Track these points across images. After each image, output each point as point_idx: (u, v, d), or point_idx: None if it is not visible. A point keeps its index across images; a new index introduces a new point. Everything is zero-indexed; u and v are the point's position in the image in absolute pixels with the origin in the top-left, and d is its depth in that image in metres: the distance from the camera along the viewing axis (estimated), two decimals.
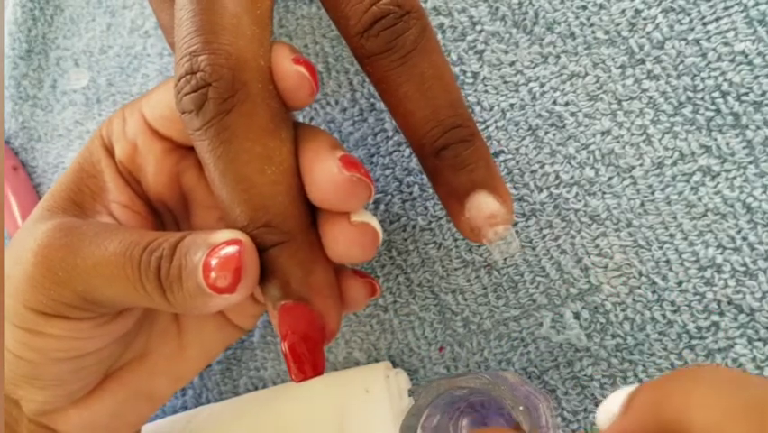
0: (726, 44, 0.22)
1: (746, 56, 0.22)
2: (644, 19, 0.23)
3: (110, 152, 0.23)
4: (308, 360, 0.20)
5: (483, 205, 0.20)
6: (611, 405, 0.16)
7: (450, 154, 0.20)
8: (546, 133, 0.24)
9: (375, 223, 0.21)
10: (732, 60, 0.22)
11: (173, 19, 0.21)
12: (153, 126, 0.23)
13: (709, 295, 0.22)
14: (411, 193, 0.26)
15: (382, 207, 0.27)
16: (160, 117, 0.22)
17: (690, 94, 0.22)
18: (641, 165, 0.23)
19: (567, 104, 0.24)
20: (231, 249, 0.19)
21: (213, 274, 0.19)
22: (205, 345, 0.26)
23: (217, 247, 0.19)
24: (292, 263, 0.20)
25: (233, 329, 0.26)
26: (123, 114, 0.23)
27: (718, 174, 0.22)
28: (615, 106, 0.23)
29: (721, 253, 0.22)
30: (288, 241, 0.20)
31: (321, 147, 0.20)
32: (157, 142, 0.23)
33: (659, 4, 0.23)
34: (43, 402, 0.22)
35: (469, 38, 0.26)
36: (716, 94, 0.22)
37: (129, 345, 0.25)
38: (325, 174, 0.20)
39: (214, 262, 0.19)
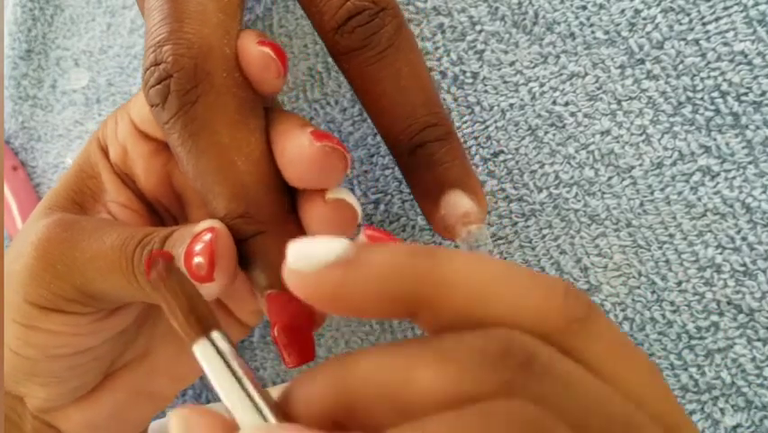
0: (725, 44, 0.22)
1: (746, 56, 0.22)
2: (644, 19, 0.23)
3: (106, 153, 0.23)
4: (296, 347, 0.20)
5: (458, 203, 0.20)
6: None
7: (425, 152, 0.20)
8: (546, 133, 0.24)
9: (351, 198, 0.20)
10: (731, 60, 0.22)
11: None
12: (140, 128, 0.23)
13: (709, 295, 0.22)
14: (411, 193, 0.26)
15: (382, 207, 0.27)
16: (147, 120, 0.22)
17: (690, 94, 0.22)
18: (640, 165, 0.23)
19: (567, 104, 0.24)
20: (206, 237, 0.19)
21: (193, 263, 0.19)
22: None
23: (197, 236, 0.19)
24: (274, 252, 0.20)
25: (238, 326, 0.26)
26: (116, 116, 0.23)
27: (718, 174, 0.22)
28: (614, 106, 0.23)
29: (720, 254, 0.22)
30: (266, 230, 0.20)
31: (291, 126, 0.20)
32: (144, 144, 0.23)
33: (658, 4, 0.23)
34: (45, 399, 0.23)
35: (468, 38, 0.26)
36: (715, 94, 0.22)
37: (129, 344, 0.25)
38: (297, 149, 0.19)
39: (194, 250, 0.19)
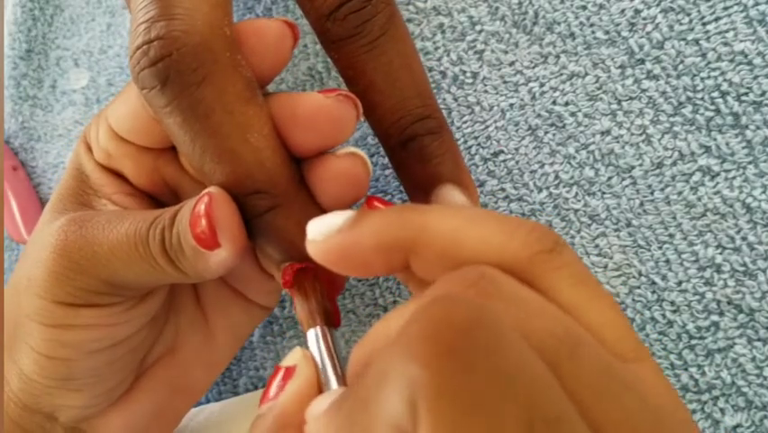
0: (725, 44, 0.22)
1: (746, 56, 0.22)
2: (644, 19, 0.23)
3: (93, 155, 0.23)
4: None
5: (449, 198, 0.20)
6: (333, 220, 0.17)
7: (416, 146, 0.20)
8: (546, 132, 0.24)
9: (362, 153, 0.20)
10: (732, 60, 0.22)
11: None
12: (119, 134, 0.22)
13: (709, 295, 0.22)
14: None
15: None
16: (127, 131, 0.22)
17: (690, 94, 0.22)
18: (640, 165, 0.23)
19: (567, 104, 0.24)
20: (202, 204, 0.19)
21: (197, 231, 0.19)
22: (234, 328, 0.26)
23: (196, 205, 0.19)
24: (289, 225, 0.19)
25: (257, 309, 0.26)
26: (98, 121, 0.23)
27: (718, 174, 0.22)
28: (614, 106, 0.23)
29: (721, 253, 0.22)
30: (281, 204, 0.19)
31: (293, 95, 0.20)
32: (126, 147, 0.23)
33: (659, 4, 0.23)
34: (82, 406, 0.22)
35: (468, 38, 0.26)
36: (715, 94, 0.22)
37: (159, 334, 0.24)
38: (314, 105, 0.19)
39: (196, 219, 0.19)
